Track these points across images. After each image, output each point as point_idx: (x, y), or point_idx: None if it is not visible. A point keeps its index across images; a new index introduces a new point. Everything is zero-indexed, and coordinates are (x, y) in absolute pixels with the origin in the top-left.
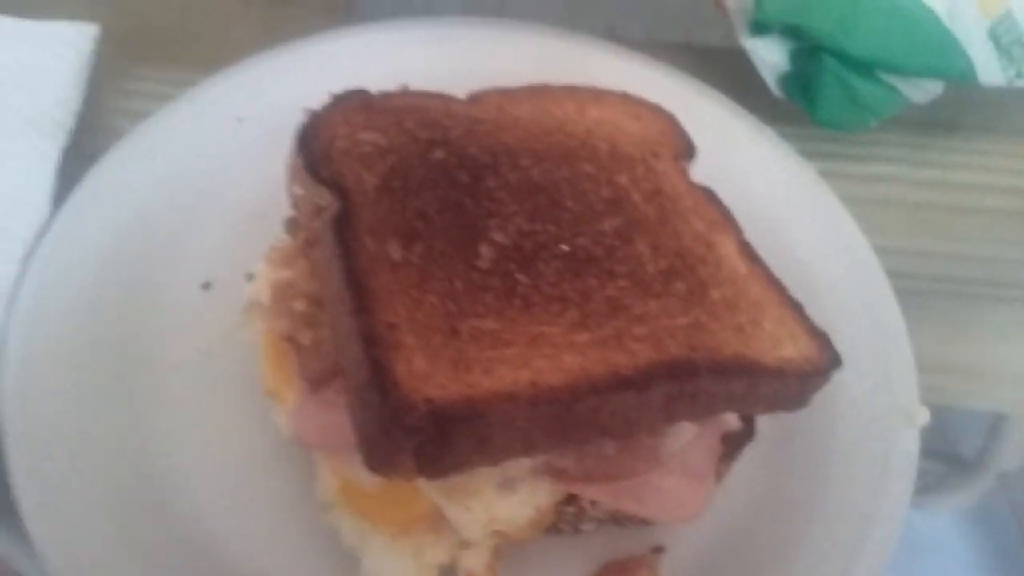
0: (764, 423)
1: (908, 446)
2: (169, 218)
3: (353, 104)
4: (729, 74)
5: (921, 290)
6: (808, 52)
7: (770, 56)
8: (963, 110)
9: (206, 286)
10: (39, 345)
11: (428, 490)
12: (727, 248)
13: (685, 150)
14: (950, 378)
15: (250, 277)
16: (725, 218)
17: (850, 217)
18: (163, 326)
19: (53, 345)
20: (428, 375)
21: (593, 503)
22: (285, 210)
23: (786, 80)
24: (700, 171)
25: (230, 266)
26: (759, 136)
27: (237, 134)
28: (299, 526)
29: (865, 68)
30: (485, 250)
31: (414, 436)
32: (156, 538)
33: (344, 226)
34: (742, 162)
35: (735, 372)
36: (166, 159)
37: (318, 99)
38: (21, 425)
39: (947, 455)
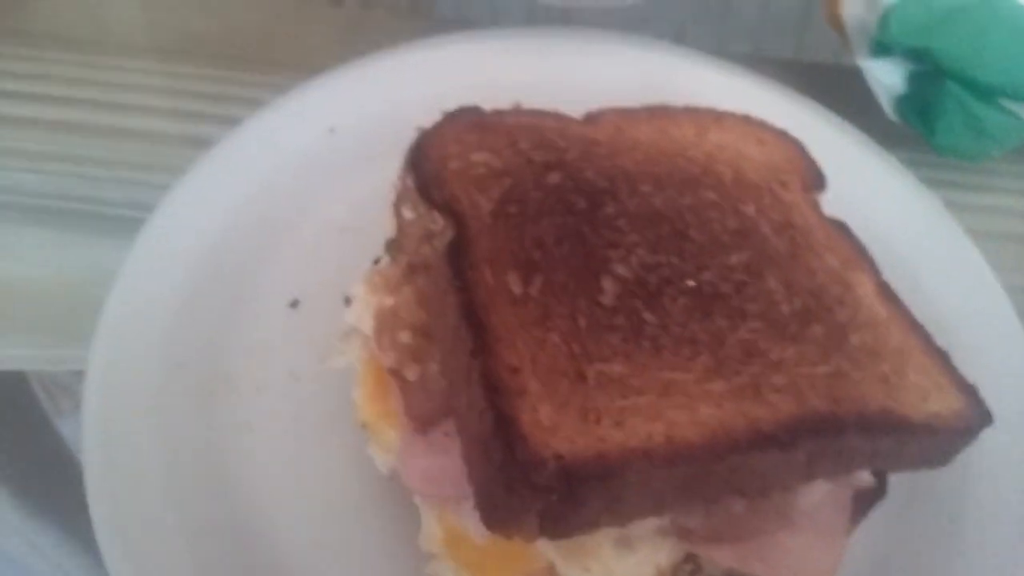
0: (893, 478)
1: None
2: (257, 232)
3: (465, 122)
4: (836, 93)
5: None
6: (929, 75)
7: (887, 78)
8: None
9: (294, 304)
10: (121, 365)
11: (543, 547)
12: (865, 288)
13: (814, 180)
14: None
15: (348, 301)
16: (861, 255)
17: (980, 255)
18: (248, 346)
19: (136, 365)
20: (556, 427)
21: (712, 562)
22: (378, 226)
23: (902, 103)
24: (825, 202)
25: (319, 284)
26: (886, 165)
27: (328, 145)
28: (385, 571)
29: (989, 95)
30: (608, 284)
31: (543, 496)
32: (235, 571)
33: (460, 255)
34: (869, 194)
35: (883, 429)
36: (254, 170)
37: (415, 111)
38: (101, 449)
39: None
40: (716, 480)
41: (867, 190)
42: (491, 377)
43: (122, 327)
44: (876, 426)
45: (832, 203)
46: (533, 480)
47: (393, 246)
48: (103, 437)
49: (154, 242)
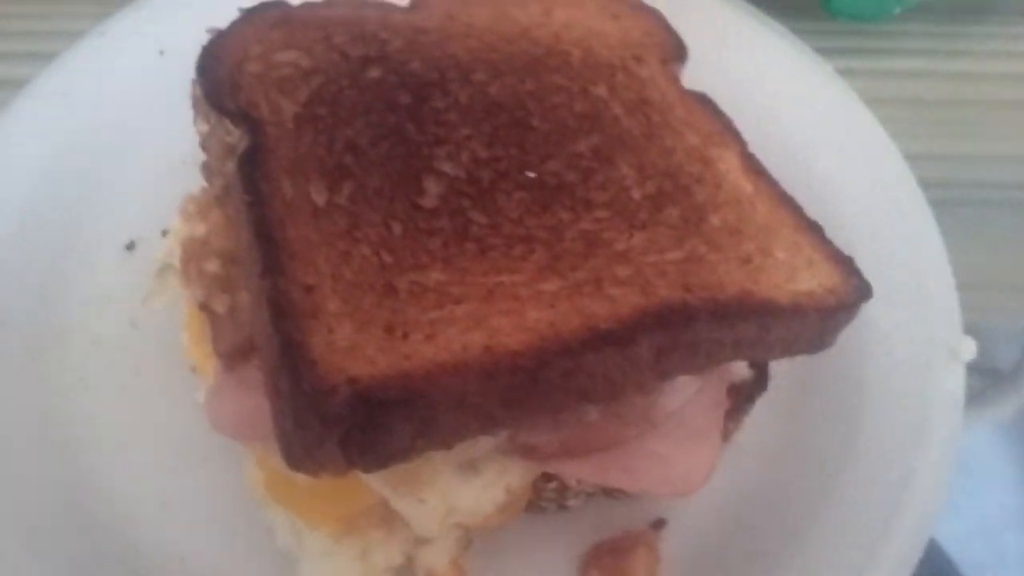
0: (779, 368)
1: (952, 386)
2: (86, 170)
3: (269, 18)
4: None
5: (955, 199)
6: None
7: None
8: None
9: (130, 246)
10: None
11: (372, 481)
12: (728, 164)
13: (674, 51)
14: (990, 294)
15: (165, 233)
16: (725, 129)
17: (875, 120)
18: (82, 296)
19: None
20: (354, 347)
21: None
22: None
23: None
24: (694, 76)
25: (157, 222)
26: (763, 31)
27: (159, 70)
28: (233, 525)
29: None
30: (431, 184)
31: (336, 426)
32: (71, 539)
33: (255, 166)
34: (744, 63)
35: (742, 314)
36: (80, 103)
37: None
38: None
39: (984, 369)
40: (549, 388)
41: (745, 60)
42: (279, 298)
43: None
44: (732, 312)
45: (704, 77)
46: (322, 410)
47: (206, 169)
48: None
49: None
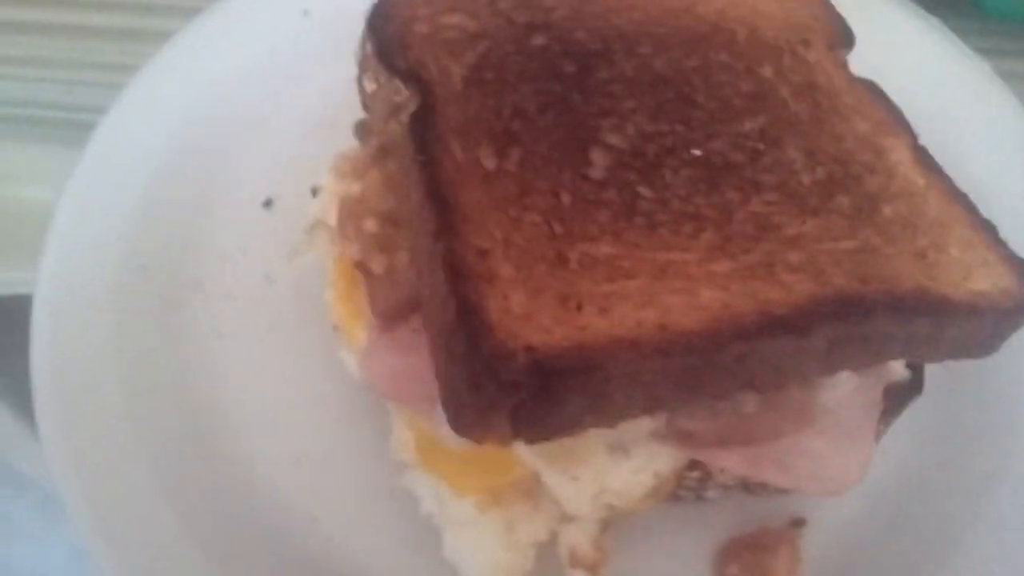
0: (932, 372)
1: None
2: (226, 126)
3: None
4: None
5: None
6: None
7: None
8: None
9: (267, 204)
10: (76, 266)
11: (526, 455)
12: (900, 155)
13: (841, 37)
14: None
15: (315, 191)
16: (896, 119)
17: None
18: (219, 249)
19: (92, 269)
20: (529, 315)
21: (722, 468)
22: (358, 114)
23: None
24: (857, 66)
25: (295, 181)
26: (923, 26)
27: (303, 30)
28: (370, 487)
29: None
30: (598, 156)
31: (512, 393)
32: (202, 489)
33: (425, 127)
34: (905, 56)
35: (919, 309)
36: (222, 60)
37: None
38: (52, 355)
39: None
40: (720, 373)
41: (907, 53)
42: (455, 261)
43: (76, 231)
44: (909, 307)
45: (864, 68)
46: (500, 375)
47: (361, 128)
48: (53, 346)
49: (110, 142)
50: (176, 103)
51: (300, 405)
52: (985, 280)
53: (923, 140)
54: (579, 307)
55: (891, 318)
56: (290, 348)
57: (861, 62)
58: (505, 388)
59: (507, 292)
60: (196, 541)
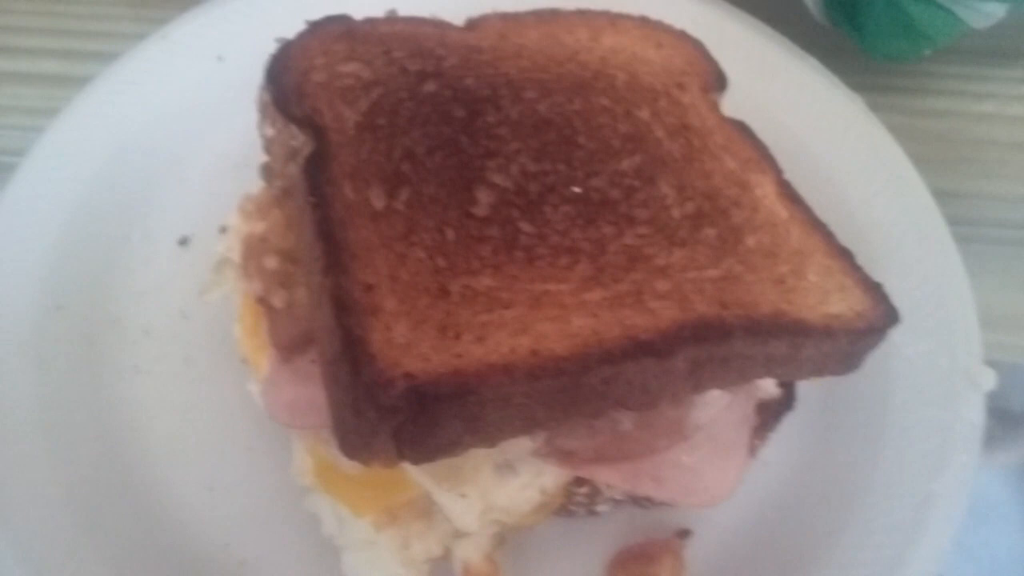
0: (805, 389)
1: (972, 414)
2: (143, 168)
3: (333, 32)
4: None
5: (980, 237)
6: None
7: None
8: None
9: (183, 242)
10: None
11: (415, 475)
12: (764, 189)
13: (715, 81)
14: (1014, 333)
15: (223, 230)
16: (762, 156)
17: (904, 156)
18: (136, 286)
19: (10, 308)
20: (410, 345)
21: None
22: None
23: (830, 4)
24: (732, 105)
25: (210, 220)
26: (799, 64)
27: (217, 74)
28: (277, 512)
29: None
30: (483, 195)
31: (391, 417)
32: (120, 521)
33: (319, 169)
34: (780, 94)
35: (775, 332)
36: (139, 104)
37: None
38: None
39: (996, 409)
40: (589, 394)
41: (781, 91)
42: (341, 295)
43: None
44: (765, 329)
45: (741, 106)
46: (379, 401)
47: (267, 170)
48: None
49: (28, 183)
50: (94, 146)
51: (213, 436)
52: (841, 304)
53: (797, 172)
54: (457, 336)
55: (749, 340)
56: (203, 381)
57: (741, 100)
58: (384, 413)
59: (390, 324)
60: (113, 570)
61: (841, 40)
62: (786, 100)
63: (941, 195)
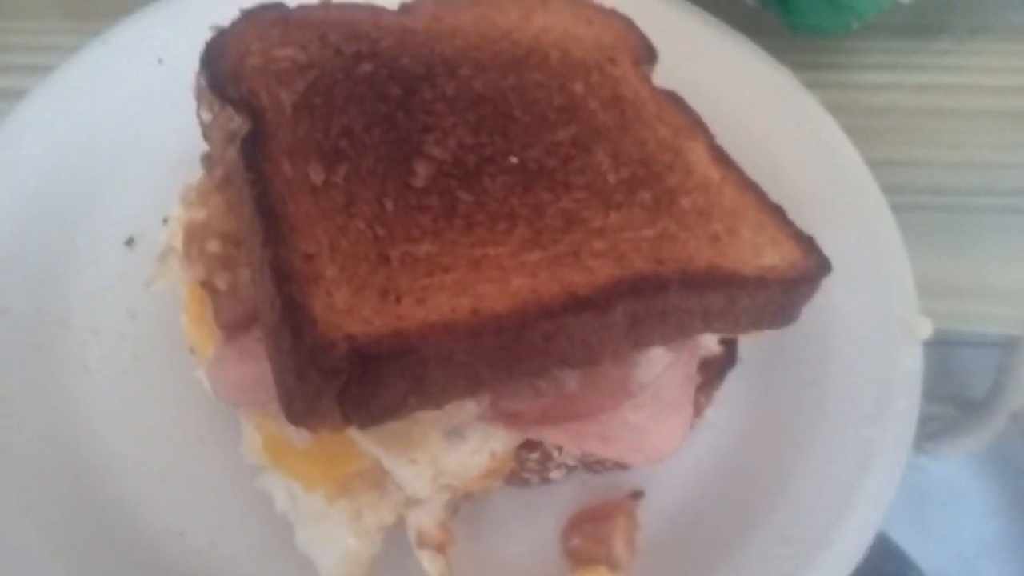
0: (748, 348)
1: (911, 362)
2: (87, 171)
3: (268, 19)
4: None
5: (917, 205)
6: None
7: None
8: (950, 10)
9: (129, 242)
10: None
11: (364, 443)
12: (697, 154)
13: (645, 54)
14: (953, 301)
15: (166, 221)
16: (694, 123)
17: (833, 121)
18: (82, 288)
19: None
20: (351, 309)
21: (560, 448)
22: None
23: None
24: (662, 81)
25: (156, 220)
26: (727, 39)
27: (158, 77)
28: (230, 499)
29: None
30: (421, 167)
31: (335, 379)
32: (71, 518)
33: (256, 148)
34: (709, 69)
35: (710, 284)
36: (81, 108)
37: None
38: None
39: (955, 397)
40: (531, 351)
41: (710, 65)
42: (281, 264)
43: None
44: (701, 282)
45: (672, 81)
46: (322, 363)
47: (207, 159)
48: None
49: None
50: (36, 151)
51: (163, 428)
52: (774, 256)
53: (728, 143)
54: (398, 300)
55: (685, 293)
56: (153, 376)
57: (671, 76)
58: (327, 375)
59: (331, 290)
60: (66, 566)
61: (769, 21)
62: (715, 74)
63: (875, 165)
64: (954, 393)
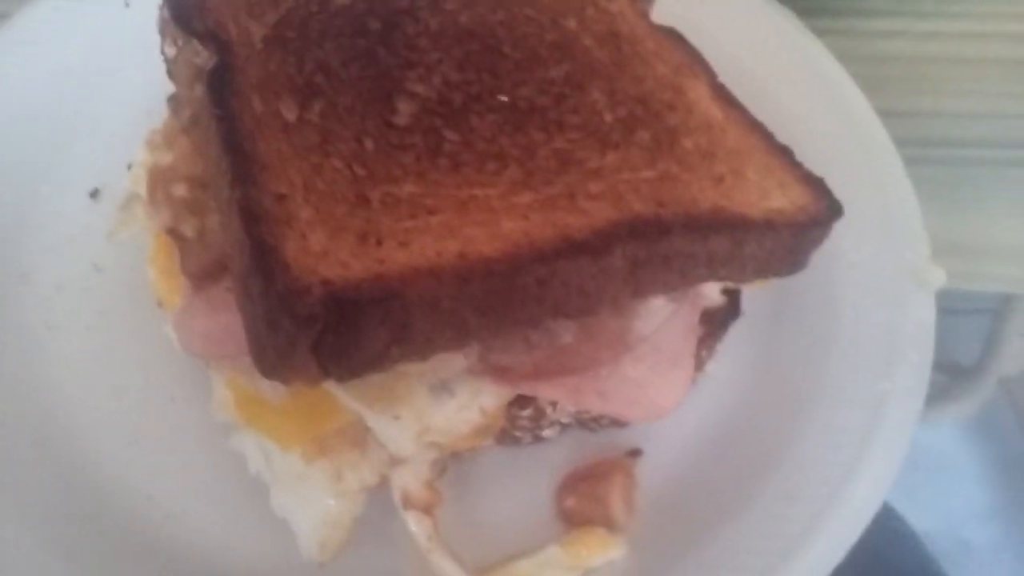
0: (752, 299)
1: (923, 313)
2: (50, 121)
3: None
4: None
5: (921, 158)
6: None
7: None
8: None
9: (94, 194)
10: None
11: (344, 398)
12: (698, 93)
13: None
14: (957, 260)
15: (129, 167)
16: (695, 61)
17: (839, 65)
18: (45, 242)
19: None
20: (327, 252)
21: (554, 404)
22: None
23: None
24: (661, 21)
25: (122, 172)
26: None
27: (124, 21)
28: (201, 460)
29: None
30: (403, 104)
31: (309, 327)
32: (37, 480)
33: (223, 83)
34: (710, 9)
35: (715, 227)
36: (45, 54)
37: None
38: None
39: (945, 364)
40: (524, 297)
41: (712, 7)
42: (250, 205)
43: None
44: (705, 224)
45: (671, 21)
46: (295, 309)
47: (174, 101)
48: None
49: None
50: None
51: (131, 387)
52: (782, 199)
53: (731, 83)
54: (379, 243)
55: (688, 236)
56: (119, 333)
57: (670, 17)
58: (301, 322)
59: (305, 232)
60: (32, 530)
61: None
62: (716, 16)
63: (884, 115)
64: (943, 360)
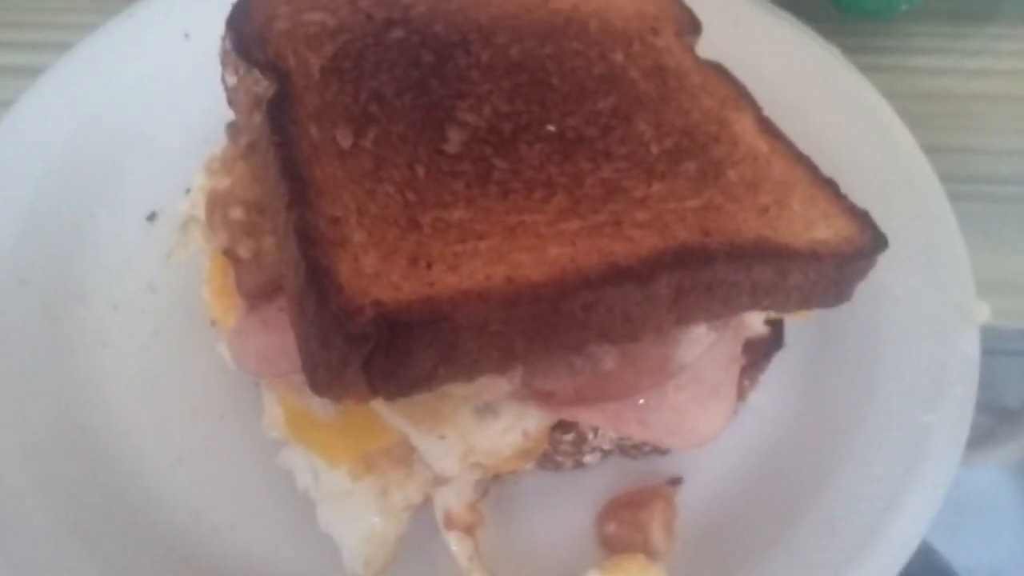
0: (795, 331)
1: (967, 348)
2: (110, 146)
3: None
4: None
5: (968, 194)
6: None
7: None
8: None
9: (151, 217)
10: None
11: (392, 417)
12: (744, 125)
13: (688, 25)
14: (998, 295)
15: (188, 191)
16: (740, 94)
17: (884, 101)
18: (104, 262)
19: None
20: (379, 274)
21: (595, 430)
22: None
23: None
24: (706, 56)
25: (179, 196)
26: (775, 19)
27: (184, 52)
28: (249, 476)
29: None
30: (454, 133)
31: (361, 346)
32: (88, 495)
33: (282, 111)
34: (755, 46)
35: (759, 256)
36: (106, 81)
37: None
38: None
39: (992, 406)
40: (569, 323)
41: (757, 42)
42: (306, 227)
43: None
44: (749, 254)
45: (717, 56)
46: (348, 329)
47: (233, 128)
48: None
49: None
50: (59, 123)
51: (182, 404)
52: (827, 230)
53: (776, 118)
54: (429, 266)
55: (732, 265)
56: (172, 352)
57: (716, 55)
58: (353, 342)
59: (358, 255)
60: (81, 544)
61: (818, 3)
62: (761, 52)
63: (926, 152)
64: (988, 402)
